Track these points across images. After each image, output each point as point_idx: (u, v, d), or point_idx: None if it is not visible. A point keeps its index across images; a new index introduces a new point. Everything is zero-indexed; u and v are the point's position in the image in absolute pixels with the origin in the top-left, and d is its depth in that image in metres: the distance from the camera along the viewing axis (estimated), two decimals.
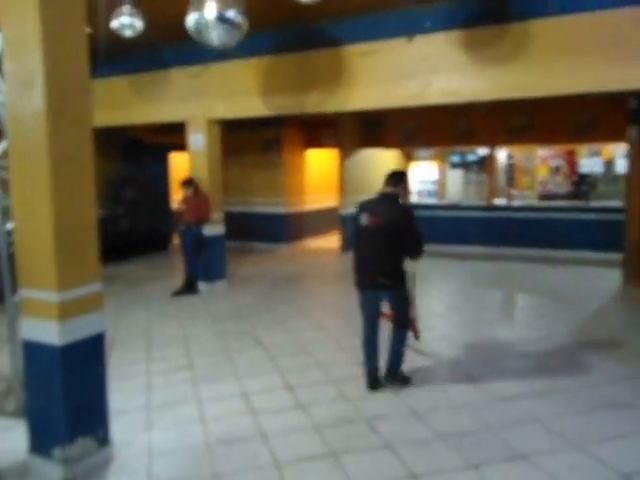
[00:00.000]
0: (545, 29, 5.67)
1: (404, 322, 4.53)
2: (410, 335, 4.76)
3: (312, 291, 8.37)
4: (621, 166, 11.10)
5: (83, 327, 3.23)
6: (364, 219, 4.35)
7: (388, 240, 4.24)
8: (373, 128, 11.77)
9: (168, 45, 7.67)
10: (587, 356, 5.08)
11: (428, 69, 6.26)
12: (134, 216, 11.20)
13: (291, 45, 7.02)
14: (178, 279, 8.25)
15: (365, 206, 4.44)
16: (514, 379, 4.60)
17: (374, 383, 4.41)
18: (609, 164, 11.40)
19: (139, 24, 5.19)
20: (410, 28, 6.22)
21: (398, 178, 4.42)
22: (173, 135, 9.93)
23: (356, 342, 5.55)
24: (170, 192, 12.27)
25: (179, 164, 12.27)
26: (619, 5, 5.34)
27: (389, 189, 4.37)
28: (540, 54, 5.71)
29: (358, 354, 5.19)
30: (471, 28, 5.97)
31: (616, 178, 11.46)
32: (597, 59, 5.48)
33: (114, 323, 6.29)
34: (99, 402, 3.40)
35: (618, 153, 11.12)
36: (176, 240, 10.65)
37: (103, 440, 3.38)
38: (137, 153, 11.31)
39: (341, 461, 3.35)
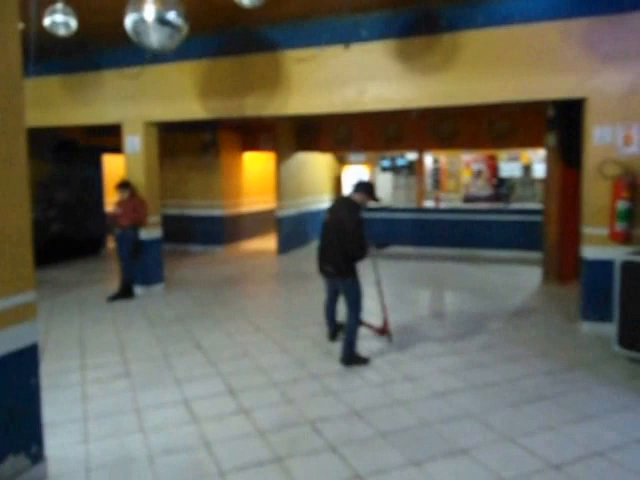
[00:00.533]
0: (474, 40, 5.80)
1: (352, 310, 4.87)
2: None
3: (250, 293, 8.22)
4: (538, 171, 11.64)
5: (15, 338, 2.96)
6: (326, 215, 4.92)
7: (337, 236, 4.68)
8: (308, 133, 11.77)
9: (103, 45, 7.31)
10: (512, 351, 5.23)
11: (364, 76, 6.27)
12: (66, 219, 10.61)
13: (230, 49, 6.85)
14: (113, 283, 7.88)
15: (331, 205, 5.02)
16: (446, 375, 4.66)
17: (331, 338, 5.46)
18: (527, 169, 11.90)
19: (74, 23, 4.87)
20: (347, 36, 6.20)
21: (358, 186, 4.87)
22: (108, 137, 9.49)
23: (297, 344, 5.51)
24: (104, 195, 11.73)
25: (114, 167, 11.75)
26: (545, 18, 5.54)
27: (351, 194, 4.86)
28: (469, 64, 5.84)
29: (299, 356, 5.15)
30: (405, 38, 6.03)
31: (533, 182, 12.00)
32: (523, 69, 5.66)
33: (45, 330, 5.92)
34: (32, 416, 3.13)
35: (535, 158, 11.63)
36: (111, 244, 10.19)
37: (37, 456, 3.12)
38: (70, 155, 10.73)
39: (287, 466, 3.26)
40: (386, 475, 3.16)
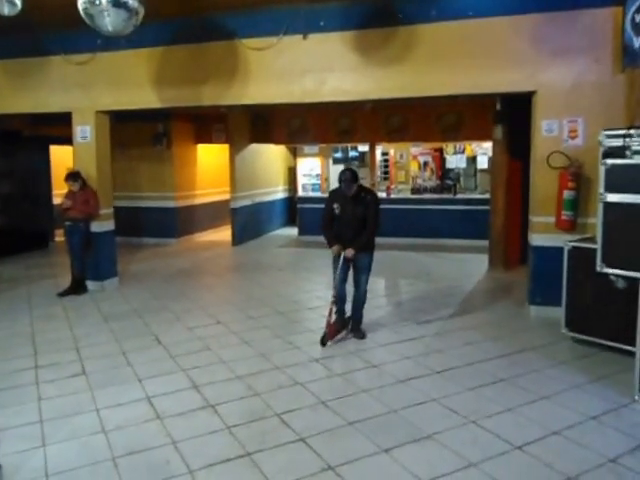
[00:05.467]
0: (429, 34, 5.77)
1: (366, 280, 5.28)
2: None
3: (207, 285, 7.99)
4: (481, 162, 11.86)
5: None
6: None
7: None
8: (262, 125, 11.56)
9: (51, 28, 6.81)
10: (466, 336, 5.27)
11: (323, 67, 6.14)
12: (11, 212, 10.00)
13: (186, 36, 6.54)
14: (63, 278, 7.46)
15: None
16: (407, 361, 4.65)
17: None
18: (472, 160, 12.10)
19: (19, 2, 4.44)
20: (306, 25, 6.05)
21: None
22: (56, 127, 8.94)
23: (258, 336, 5.37)
24: (52, 187, 11.12)
25: (63, 157, 11.12)
26: (496, 14, 5.56)
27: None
28: (424, 57, 5.80)
29: (262, 347, 5.02)
30: (363, 30, 5.93)
31: (476, 173, 12.24)
32: (476, 63, 5.67)
33: None
34: None
35: (479, 151, 11.85)
36: (60, 237, 9.69)
37: None
38: (13, 145, 10.08)
39: (256, 460, 3.14)
40: (356, 463, 3.10)
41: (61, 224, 7.68)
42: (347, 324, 5.36)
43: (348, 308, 5.37)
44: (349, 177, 4.94)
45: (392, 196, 11.29)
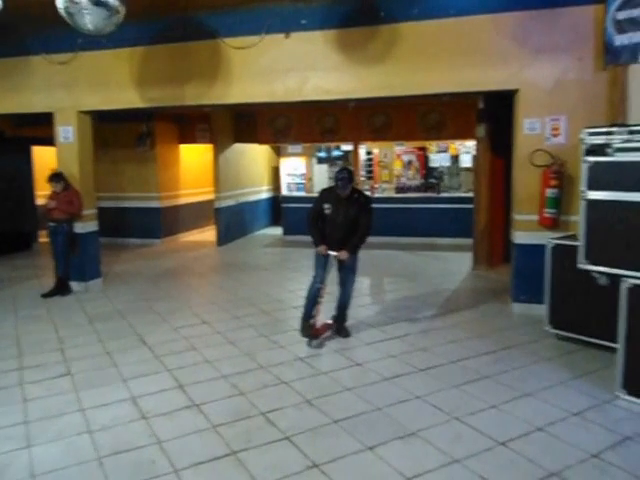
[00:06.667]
0: (411, 32, 5.76)
1: (353, 280, 5.32)
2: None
3: (192, 285, 7.93)
4: (465, 161, 11.93)
5: None
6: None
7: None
8: (246, 125, 11.50)
9: (32, 28, 6.71)
10: (450, 334, 5.29)
11: (306, 66, 6.12)
12: None
13: (168, 35, 6.47)
14: (47, 279, 7.36)
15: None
16: (391, 359, 4.66)
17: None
18: (455, 159, 12.17)
19: (0, 1, 4.37)
20: (288, 24, 6.03)
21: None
22: (39, 128, 8.81)
23: (244, 335, 5.34)
24: (34, 188, 10.95)
25: (46, 158, 10.97)
26: (479, 12, 5.58)
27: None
28: (407, 56, 5.80)
29: (247, 347, 5.00)
30: (345, 28, 5.92)
31: (459, 172, 12.31)
32: (459, 61, 5.68)
33: None
34: None
35: (462, 149, 11.92)
36: (43, 238, 9.55)
37: None
38: None
39: (242, 459, 3.13)
40: (342, 461, 3.10)
41: (45, 225, 7.58)
42: (333, 325, 5.36)
43: (329, 308, 5.37)
44: (346, 176, 4.86)
45: (376, 195, 11.30)
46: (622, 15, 5.03)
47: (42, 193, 9.66)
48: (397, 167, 12.86)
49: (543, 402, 3.82)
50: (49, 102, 7.16)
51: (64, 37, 6.42)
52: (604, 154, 4.34)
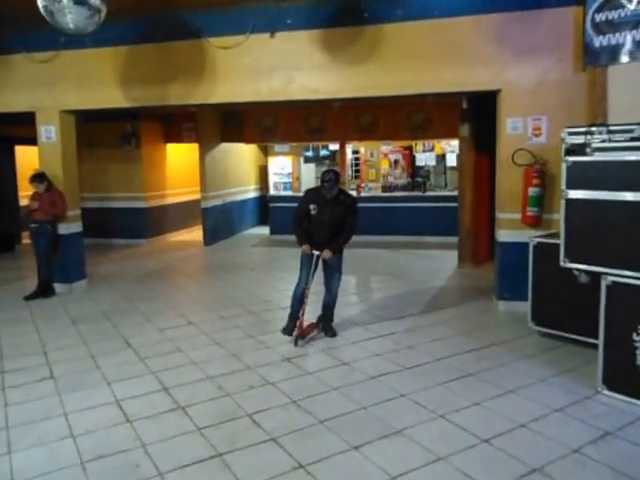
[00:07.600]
0: (395, 33, 5.79)
1: (339, 279, 5.30)
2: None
3: (177, 286, 7.89)
4: (451, 160, 12.00)
5: None
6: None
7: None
8: (232, 124, 11.45)
9: (12, 27, 6.62)
10: (435, 332, 5.33)
11: (291, 66, 6.11)
12: None
13: (152, 34, 6.41)
14: (30, 281, 7.28)
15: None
16: (377, 358, 4.67)
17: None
18: (441, 158, 12.23)
19: None
20: (273, 23, 6.02)
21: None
22: (22, 127, 8.70)
23: (230, 336, 5.33)
24: (18, 188, 10.82)
25: (29, 158, 10.84)
26: (462, 13, 5.61)
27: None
28: (391, 56, 5.82)
29: (233, 347, 4.98)
30: (330, 28, 5.92)
31: (445, 171, 12.39)
32: (442, 62, 5.71)
33: None
34: None
35: (448, 148, 11.98)
36: (26, 239, 9.44)
37: None
38: None
39: (227, 460, 3.12)
40: (327, 461, 3.10)
41: (27, 226, 7.49)
42: (319, 324, 5.36)
43: (316, 308, 5.37)
44: (333, 178, 4.85)
45: (363, 194, 11.32)
46: (600, 17, 5.09)
47: (25, 194, 9.53)
48: (384, 166, 12.91)
49: (526, 399, 3.85)
50: (31, 101, 7.07)
51: (45, 35, 6.33)
52: (583, 154, 4.40)
